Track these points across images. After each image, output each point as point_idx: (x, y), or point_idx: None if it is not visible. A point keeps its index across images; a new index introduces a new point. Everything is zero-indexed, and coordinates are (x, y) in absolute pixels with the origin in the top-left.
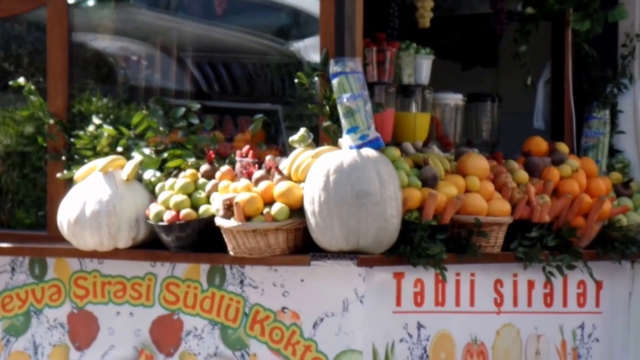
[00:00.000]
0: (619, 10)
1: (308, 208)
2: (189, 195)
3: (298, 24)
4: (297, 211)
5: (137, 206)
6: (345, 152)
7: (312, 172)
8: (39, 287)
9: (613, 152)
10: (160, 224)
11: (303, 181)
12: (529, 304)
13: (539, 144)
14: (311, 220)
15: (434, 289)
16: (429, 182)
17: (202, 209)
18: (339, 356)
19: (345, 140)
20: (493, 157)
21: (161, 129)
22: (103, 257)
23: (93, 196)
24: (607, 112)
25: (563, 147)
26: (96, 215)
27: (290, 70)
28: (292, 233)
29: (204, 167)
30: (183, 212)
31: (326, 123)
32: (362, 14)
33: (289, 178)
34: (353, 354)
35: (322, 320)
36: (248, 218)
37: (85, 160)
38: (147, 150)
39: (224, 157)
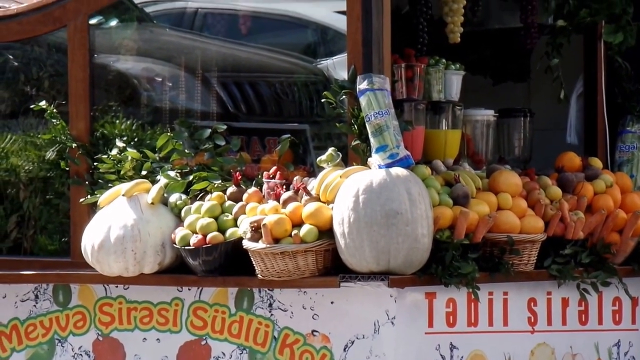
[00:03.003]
0: None
1: (337, 229)
2: (216, 218)
3: (325, 41)
4: (326, 232)
5: (162, 230)
6: (375, 171)
7: (341, 192)
8: (63, 314)
9: None
10: (187, 248)
11: (332, 202)
12: (564, 323)
13: (572, 159)
14: (340, 241)
15: (466, 308)
16: (460, 200)
17: (229, 231)
18: None
19: (375, 159)
20: (525, 173)
21: (186, 151)
22: (128, 283)
23: (118, 221)
24: None
25: (597, 162)
26: (121, 241)
27: (317, 89)
28: (321, 254)
29: (231, 189)
30: (210, 236)
31: (355, 142)
32: (390, 30)
33: (317, 199)
34: None
35: (352, 343)
36: (276, 240)
37: (109, 185)
38: (172, 173)
39: (251, 179)
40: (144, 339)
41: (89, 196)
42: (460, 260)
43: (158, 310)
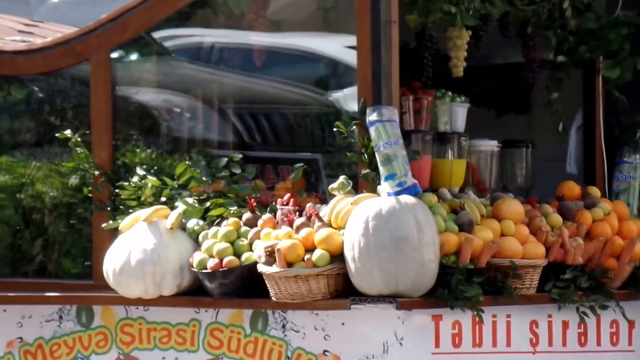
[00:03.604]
0: None
1: (348, 254)
2: (232, 243)
3: (336, 75)
4: (337, 257)
5: (181, 254)
6: (384, 199)
7: (351, 218)
8: (86, 334)
9: None
10: (204, 271)
11: (343, 228)
12: (564, 344)
13: (572, 188)
14: (351, 265)
15: (471, 330)
16: (466, 227)
17: (244, 256)
18: None
19: (384, 187)
20: (527, 201)
21: (204, 178)
22: (148, 305)
23: (138, 245)
24: (638, 156)
25: (595, 191)
26: (141, 264)
27: (329, 120)
28: (332, 278)
29: (246, 215)
30: (226, 260)
31: (365, 171)
32: (398, 64)
33: (329, 225)
34: None
35: None
36: (290, 264)
37: (130, 211)
38: (190, 200)
39: (265, 206)
40: (163, 357)
41: (110, 221)
42: (465, 284)
43: (176, 331)
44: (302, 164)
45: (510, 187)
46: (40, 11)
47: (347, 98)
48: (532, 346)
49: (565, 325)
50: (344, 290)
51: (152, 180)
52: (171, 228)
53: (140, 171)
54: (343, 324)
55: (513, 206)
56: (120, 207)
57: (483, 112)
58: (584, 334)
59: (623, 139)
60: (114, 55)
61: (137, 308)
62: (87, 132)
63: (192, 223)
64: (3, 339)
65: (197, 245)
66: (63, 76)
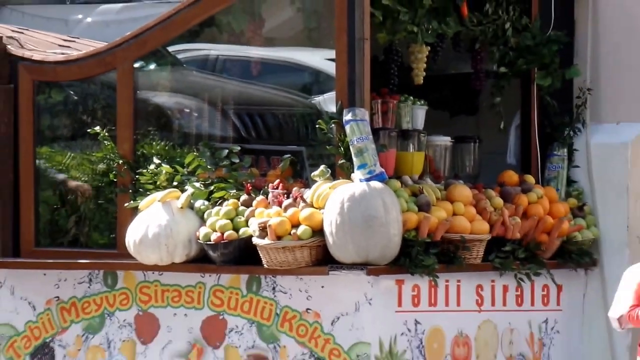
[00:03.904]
0: (574, 69)
1: (327, 229)
2: (231, 220)
3: (318, 82)
4: (318, 232)
5: (189, 229)
6: (357, 184)
7: (330, 200)
8: (111, 294)
9: (570, 182)
10: (208, 243)
11: (322, 208)
12: (504, 304)
13: (511, 176)
14: (329, 239)
15: (427, 292)
16: (424, 207)
17: (241, 230)
18: (352, 347)
19: (356, 174)
20: (475, 187)
21: (208, 167)
22: (162, 270)
23: (154, 221)
24: (565, 150)
25: (530, 179)
26: (157, 237)
27: (312, 119)
28: (314, 249)
29: (243, 197)
30: (226, 234)
31: (341, 161)
32: (369, 74)
33: (311, 205)
34: (363, 345)
35: (338, 318)
36: (279, 237)
37: (148, 193)
38: (197, 184)
39: (259, 189)
40: (175, 314)
41: (131, 202)
42: (423, 255)
43: (185, 292)
44: (289, 155)
45: (460, 175)
46: (77, 30)
47: (327, 101)
48: (477, 305)
49: (505, 288)
50: (323, 259)
51: (166, 168)
52: (181, 207)
53: (156, 160)
54: (322, 286)
55: (463, 191)
56: (140, 189)
57: (439, 113)
58: (521, 296)
59: (553, 136)
60: (136, 65)
61: (153, 273)
62: (113, 128)
63: (199, 203)
64: (43, 297)
65: (202, 221)
66: (94, 82)
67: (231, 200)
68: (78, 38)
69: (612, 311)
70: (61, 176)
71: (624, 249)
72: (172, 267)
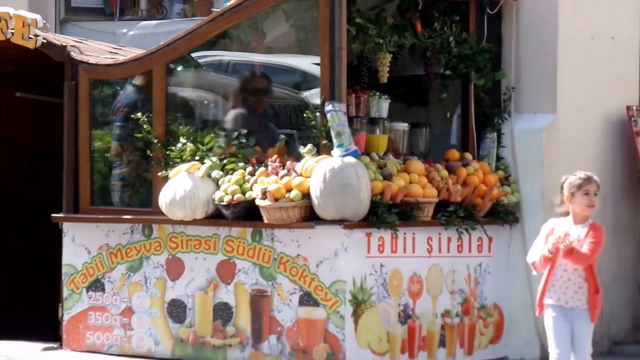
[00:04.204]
0: (501, 72)
1: (313, 194)
2: (240, 186)
3: (306, 81)
4: (306, 195)
5: (207, 193)
6: (336, 159)
7: (315, 171)
8: (148, 242)
9: (499, 158)
10: (222, 203)
11: (309, 177)
12: (448, 251)
13: (454, 153)
14: (315, 201)
15: (390, 242)
16: (387, 177)
17: (248, 194)
18: (332, 284)
19: (335, 152)
20: (426, 161)
21: (222, 145)
22: (187, 224)
23: (181, 187)
24: (495, 134)
25: (468, 156)
26: (183, 199)
27: (301, 109)
28: (303, 209)
29: (249, 168)
30: (236, 196)
31: (324, 142)
32: (346, 75)
33: (301, 175)
34: (341, 283)
35: (321, 262)
36: (276, 200)
37: (176, 165)
38: (214, 159)
39: (261, 162)
40: (196, 258)
41: (163, 171)
42: (386, 213)
43: (204, 241)
44: (284, 137)
45: (415, 153)
46: (122, 40)
47: (313, 96)
48: (428, 252)
49: (449, 239)
50: (310, 216)
51: (190, 146)
52: (202, 176)
53: (182, 140)
54: (309, 237)
55: (417, 164)
56: (170, 162)
57: (399, 105)
58: (461, 245)
59: (486, 123)
60: (168, 67)
61: (179, 226)
62: (150, 115)
63: (215, 173)
64: (96, 244)
65: (217, 187)
66: (135, 80)
67: (239, 171)
68: (123, 47)
69: (529, 257)
70: (110, 151)
71: (539, 210)
72: (194, 222)
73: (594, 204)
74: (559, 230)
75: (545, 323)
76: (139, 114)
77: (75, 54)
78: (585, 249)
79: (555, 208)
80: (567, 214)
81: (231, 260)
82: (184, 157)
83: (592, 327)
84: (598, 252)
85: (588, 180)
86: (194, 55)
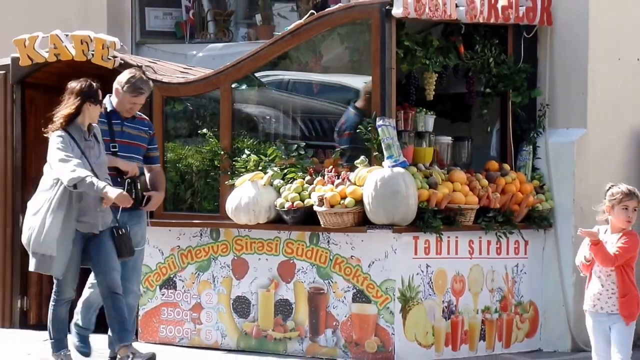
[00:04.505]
0: (537, 90)
1: (365, 200)
2: (299, 193)
3: (358, 97)
4: (359, 202)
5: (270, 200)
6: (386, 169)
7: (367, 180)
8: (215, 245)
9: (534, 169)
10: (283, 209)
11: (362, 185)
12: (488, 253)
13: (494, 164)
14: (367, 207)
15: (435, 245)
16: (433, 185)
17: (306, 201)
18: (382, 283)
19: (386, 162)
20: (468, 172)
21: (283, 156)
22: (251, 228)
23: (245, 194)
24: (530, 147)
25: (507, 166)
26: (247, 205)
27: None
28: (356, 214)
29: (307, 178)
30: (296, 203)
31: (375, 153)
32: (395, 92)
33: (355, 184)
34: (391, 282)
35: (373, 263)
36: (332, 206)
37: (241, 174)
38: (275, 168)
39: (318, 172)
40: (259, 258)
41: (229, 180)
42: (432, 219)
43: (267, 243)
44: (339, 149)
45: (458, 164)
46: (192, 61)
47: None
48: (470, 254)
49: (489, 242)
50: (362, 221)
51: (253, 157)
52: (264, 185)
53: (247, 152)
54: (362, 240)
55: (460, 174)
56: (235, 172)
57: (443, 120)
58: (499, 248)
59: (522, 136)
60: (233, 85)
61: (244, 230)
62: (217, 129)
63: (276, 182)
64: (168, 246)
65: (278, 194)
66: (204, 97)
67: (299, 180)
68: (193, 67)
69: (576, 259)
70: (181, 162)
71: (571, 216)
72: (257, 226)
73: (631, 220)
74: (600, 237)
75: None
76: (205, 129)
77: (149, 73)
78: (612, 250)
79: (597, 216)
80: (607, 222)
81: (291, 261)
82: (248, 167)
83: (629, 330)
84: (626, 256)
85: (629, 195)
86: (257, 74)
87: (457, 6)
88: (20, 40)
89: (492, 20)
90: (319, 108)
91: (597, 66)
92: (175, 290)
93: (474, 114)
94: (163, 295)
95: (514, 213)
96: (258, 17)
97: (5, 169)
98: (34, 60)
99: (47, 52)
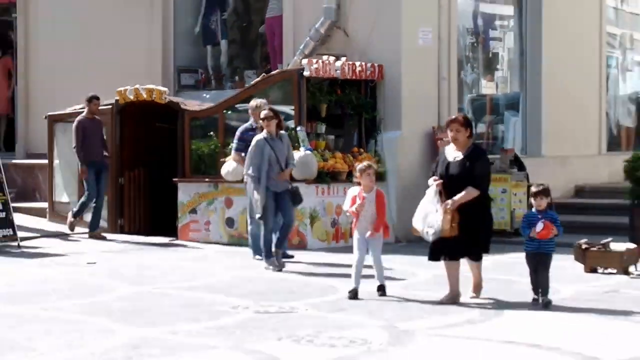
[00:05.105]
0: (377, 112)
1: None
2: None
3: (286, 119)
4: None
5: (239, 169)
6: (302, 151)
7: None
8: (216, 191)
9: (376, 153)
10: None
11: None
12: (345, 194)
13: (355, 149)
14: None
15: (327, 190)
16: (325, 160)
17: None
18: (301, 209)
19: (302, 148)
20: (343, 153)
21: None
22: (232, 183)
23: (229, 166)
24: (374, 141)
25: (362, 150)
26: (229, 172)
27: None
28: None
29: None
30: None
31: (296, 144)
32: (306, 114)
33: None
34: (304, 208)
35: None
36: None
37: (227, 157)
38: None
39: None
40: (237, 198)
41: (223, 160)
42: (325, 177)
43: (239, 190)
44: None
45: (337, 149)
46: (204, 100)
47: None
48: (342, 195)
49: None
50: (290, 179)
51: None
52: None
53: (231, 145)
54: None
55: (338, 154)
56: (225, 155)
57: (330, 127)
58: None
59: (370, 135)
60: (224, 111)
61: (229, 184)
62: (216, 133)
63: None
64: (193, 192)
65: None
66: (211, 117)
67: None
68: (204, 102)
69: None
70: (199, 150)
71: (395, 176)
72: (235, 183)
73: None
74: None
75: None
76: (211, 133)
77: (182, 105)
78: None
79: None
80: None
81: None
82: (230, 153)
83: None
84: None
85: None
86: (236, 106)
87: (336, 70)
88: (119, 90)
89: (354, 77)
90: None
91: (407, 101)
92: (196, 214)
93: (345, 124)
94: (190, 217)
95: None
96: (237, 77)
97: (115, 155)
98: (125, 100)
99: (132, 95)
